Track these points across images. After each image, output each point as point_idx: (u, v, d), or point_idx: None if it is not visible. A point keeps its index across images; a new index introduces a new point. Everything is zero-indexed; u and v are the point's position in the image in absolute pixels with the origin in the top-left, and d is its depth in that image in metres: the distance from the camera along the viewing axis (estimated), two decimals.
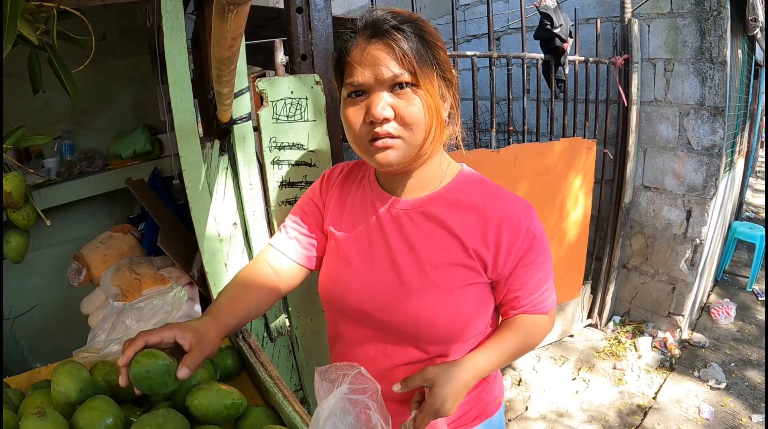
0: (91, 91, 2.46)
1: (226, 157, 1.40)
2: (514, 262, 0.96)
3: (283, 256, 1.15)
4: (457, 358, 0.99)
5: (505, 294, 1.01)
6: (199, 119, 1.73)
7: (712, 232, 3.42)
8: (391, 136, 0.89)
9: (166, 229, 1.83)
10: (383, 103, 0.88)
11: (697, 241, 3.24)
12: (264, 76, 1.35)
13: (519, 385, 3.16)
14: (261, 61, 3.05)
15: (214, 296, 1.38)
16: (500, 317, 1.09)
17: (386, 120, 0.88)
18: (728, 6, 2.87)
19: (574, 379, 3.20)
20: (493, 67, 2.45)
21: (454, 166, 1.05)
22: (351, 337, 1.09)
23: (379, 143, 0.90)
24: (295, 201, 1.37)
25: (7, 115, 1.50)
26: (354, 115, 0.92)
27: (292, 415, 0.86)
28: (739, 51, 3.61)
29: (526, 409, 2.95)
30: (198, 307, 1.68)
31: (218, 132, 1.41)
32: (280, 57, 1.54)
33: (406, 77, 0.87)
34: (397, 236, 1.01)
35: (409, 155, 0.92)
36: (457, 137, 1.02)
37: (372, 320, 1.02)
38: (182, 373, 0.80)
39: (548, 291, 1.04)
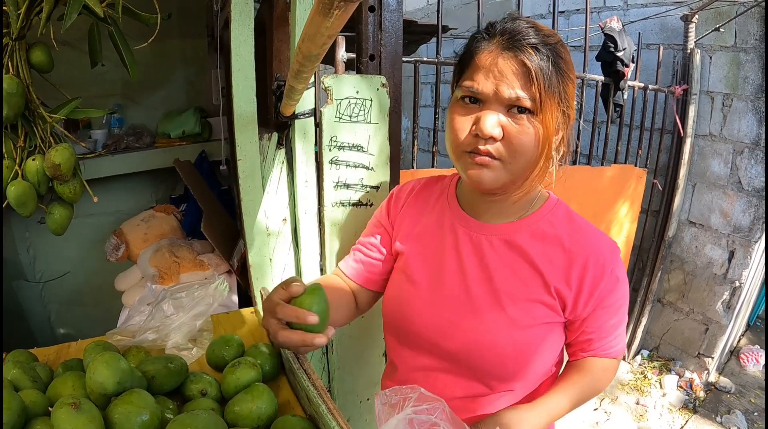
0: (145, 68, 2.46)
1: (282, 151, 1.38)
2: (594, 305, 0.90)
3: (352, 282, 1.11)
4: (522, 399, 0.95)
5: (578, 335, 0.95)
6: None
7: (752, 275, 3.30)
8: (491, 156, 0.83)
9: (210, 215, 1.82)
10: (495, 121, 0.82)
11: (737, 283, 3.13)
12: None
13: None
14: None
15: (255, 288, 1.36)
16: (567, 357, 1.04)
17: (493, 139, 0.82)
18: None
19: (595, 409, 3.12)
20: None
21: (542, 193, 0.99)
22: (411, 363, 1.03)
23: (477, 159, 0.84)
24: (349, 203, 1.34)
25: (60, 84, 1.50)
26: (461, 121, 0.86)
27: None
28: None
29: None
30: (235, 298, 1.66)
31: (276, 124, 1.38)
32: (341, 53, 1.50)
33: (528, 103, 0.81)
34: (473, 262, 0.95)
35: (504, 180, 0.86)
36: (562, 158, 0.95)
37: (432, 347, 0.97)
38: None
39: (621, 335, 0.98)
